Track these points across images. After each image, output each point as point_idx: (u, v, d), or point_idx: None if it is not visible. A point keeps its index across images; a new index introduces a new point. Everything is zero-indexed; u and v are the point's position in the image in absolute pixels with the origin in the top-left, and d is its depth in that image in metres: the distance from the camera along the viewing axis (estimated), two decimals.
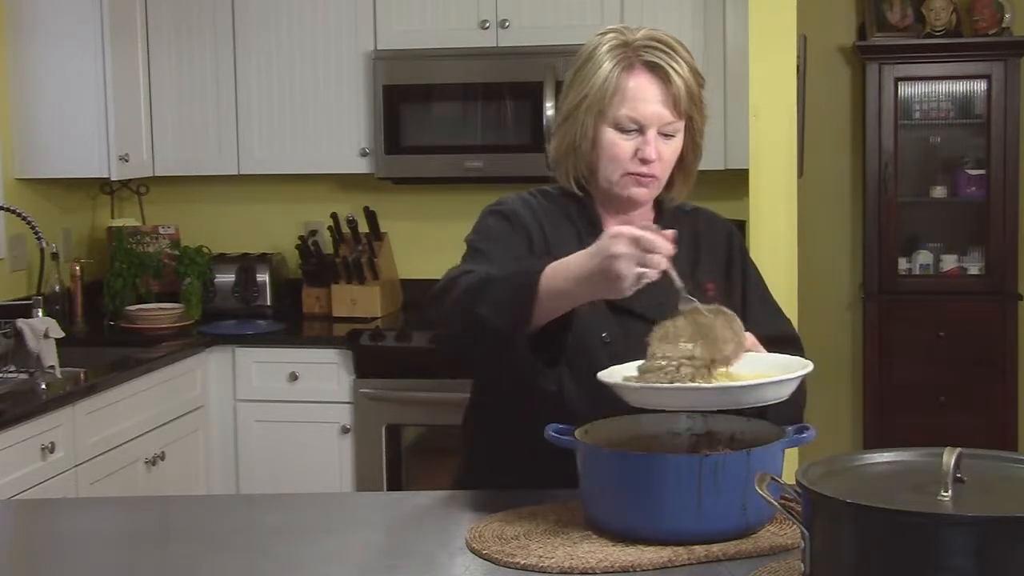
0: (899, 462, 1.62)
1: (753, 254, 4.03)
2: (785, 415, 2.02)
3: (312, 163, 4.75)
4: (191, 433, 4.34)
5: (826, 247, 5.38)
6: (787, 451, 1.90)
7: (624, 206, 2.25)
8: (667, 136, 2.18)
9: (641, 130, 2.16)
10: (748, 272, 2.32)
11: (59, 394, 3.61)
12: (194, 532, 2.04)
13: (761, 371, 1.96)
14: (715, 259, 2.28)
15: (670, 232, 1.92)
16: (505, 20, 4.51)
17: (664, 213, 2.28)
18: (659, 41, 2.19)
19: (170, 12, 4.72)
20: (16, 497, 3.28)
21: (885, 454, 1.64)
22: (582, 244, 2.09)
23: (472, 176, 4.57)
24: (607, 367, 2.06)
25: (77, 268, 4.73)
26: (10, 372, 3.78)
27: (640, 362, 1.98)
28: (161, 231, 4.96)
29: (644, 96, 2.16)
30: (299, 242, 4.82)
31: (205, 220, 5.08)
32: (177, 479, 4.17)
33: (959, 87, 5.33)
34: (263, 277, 4.87)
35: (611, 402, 2.00)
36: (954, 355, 5.17)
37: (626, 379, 1.95)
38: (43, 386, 3.66)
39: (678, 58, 2.18)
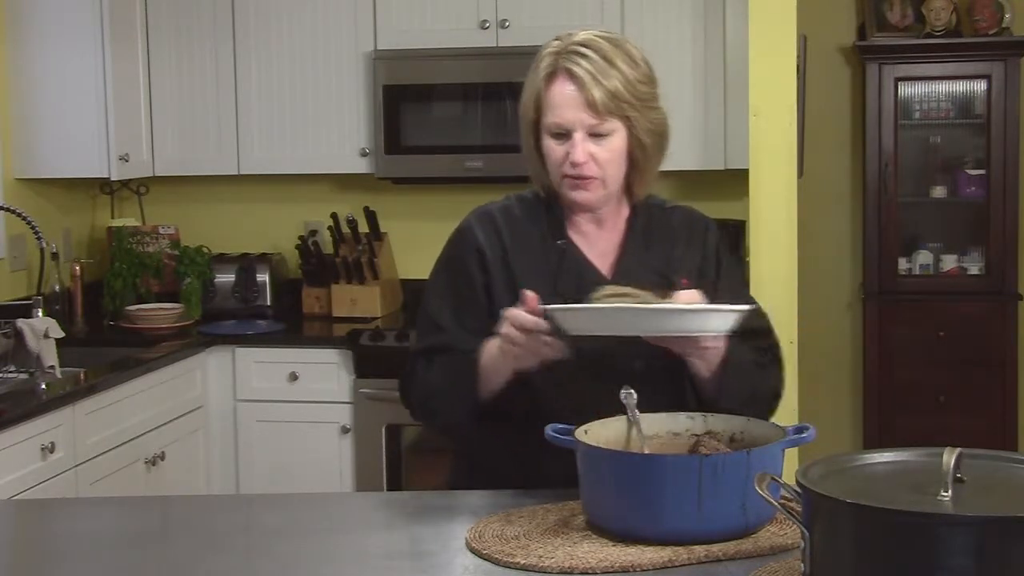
0: (899, 462, 1.62)
1: (753, 254, 4.06)
2: (750, 405, 2.12)
3: (312, 163, 4.75)
4: (191, 433, 4.34)
5: (826, 247, 5.38)
6: (787, 451, 1.90)
7: (576, 208, 2.28)
8: (599, 136, 2.20)
9: (568, 135, 2.20)
10: (723, 268, 2.34)
11: (59, 394, 3.61)
12: (194, 532, 2.04)
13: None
14: (690, 255, 2.31)
15: (532, 304, 2.03)
16: (505, 20, 4.51)
17: (637, 210, 2.32)
18: (587, 45, 2.21)
19: (170, 12, 4.73)
20: (16, 497, 3.28)
21: (885, 454, 1.64)
22: (544, 247, 2.26)
23: (472, 176, 4.57)
24: (570, 365, 2.12)
25: (77, 268, 4.73)
26: (10, 372, 3.78)
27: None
28: (161, 231, 4.96)
29: (563, 102, 2.19)
30: (299, 242, 4.82)
31: (205, 220, 5.08)
32: (177, 479, 4.17)
33: (959, 87, 5.33)
34: (263, 277, 4.87)
35: (588, 402, 2.07)
36: (954, 355, 5.17)
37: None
38: (43, 386, 3.66)
39: (603, 62, 2.20)
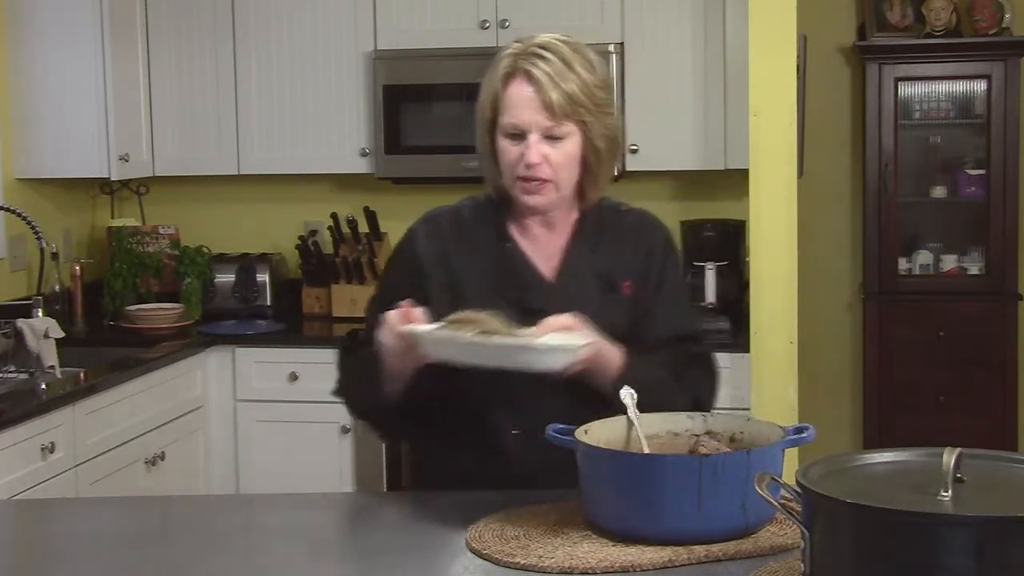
0: (899, 462, 1.62)
1: (753, 254, 4.06)
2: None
3: (312, 163, 4.75)
4: (191, 433, 4.34)
5: (826, 247, 5.38)
6: (787, 451, 1.90)
7: (529, 211, 2.28)
8: (555, 139, 2.20)
9: (523, 136, 2.20)
10: (666, 276, 2.33)
11: (59, 394, 3.61)
12: (194, 532, 2.04)
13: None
14: (636, 259, 2.31)
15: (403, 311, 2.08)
16: (505, 20, 4.51)
17: (587, 213, 2.32)
18: (546, 48, 2.21)
19: (170, 12, 4.73)
20: (16, 497, 3.28)
21: (885, 454, 1.64)
22: (488, 250, 2.28)
23: (472, 176, 4.52)
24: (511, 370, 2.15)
25: (77, 268, 4.73)
26: (10, 372, 3.78)
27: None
28: (161, 231, 4.96)
29: (520, 103, 2.19)
30: (299, 242, 4.82)
31: (205, 220, 5.08)
32: (177, 479, 4.17)
33: (959, 87, 5.33)
34: (263, 277, 4.87)
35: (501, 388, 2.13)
36: (954, 355, 5.17)
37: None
38: (43, 386, 3.66)
39: (561, 65, 2.20)
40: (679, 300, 2.37)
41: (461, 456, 2.24)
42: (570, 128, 2.20)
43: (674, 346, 2.28)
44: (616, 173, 4.45)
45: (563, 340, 2.01)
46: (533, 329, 2.05)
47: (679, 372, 2.26)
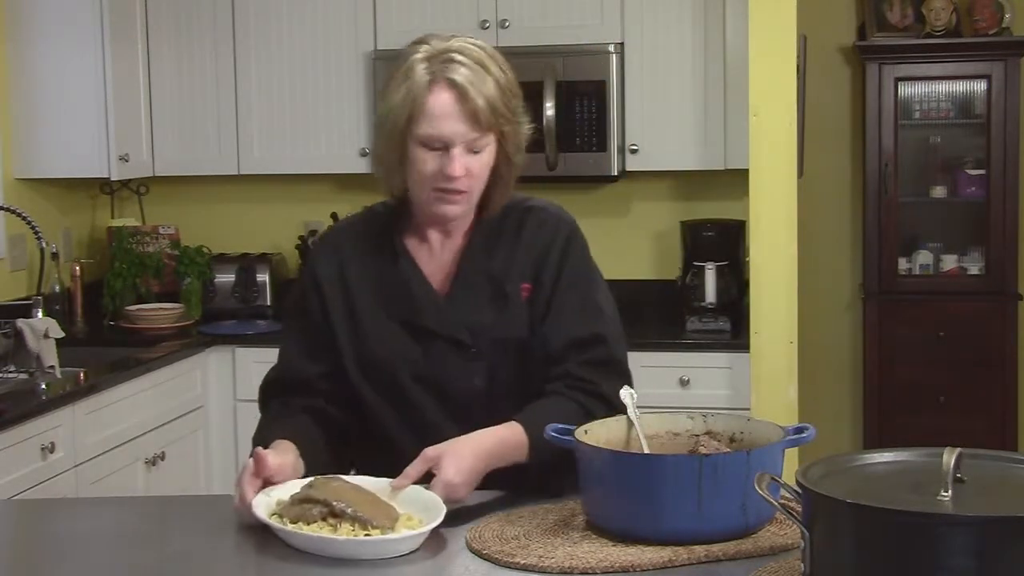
0: (899, 462, 1.62)
1: (753, 254, 4.06)
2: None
3: (312, 163, 4.75)
4: (191, 433, 4.34)
5: (826, 247, 5.38)
6: (787, 451, 1.90)
7: (432, 221, 2.21)
8: (475, 152, 2.12)
9: (445, 147, 2.10)
10: (563, 275, 2.21)
11: (59, 394, 3.61)
12: (194, 532, 2.04)
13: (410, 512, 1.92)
14: (533, 260, 2.21)
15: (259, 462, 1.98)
16: (505, 20, 4.51)
17: (482, 222, 2.22)
18: (464, 54, 2.11)
19: (170, 12, 4.73)
20: (16, 497, 3.28)
21: (885, 454, 1.64)
22: (381, 265, 2.20)
23: None
24: (409, 386, 2.16)
25: (77, 268, 4.73)
26: (10, 372, 3.78)
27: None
28: (161, 231, 4.96)
29: (445, 113, 2.08)
30: (299, 242, 4.82)
31: (205, 220, 5.08)
32: (177, 479, 4.17)
33: (959, 87, 5.32)
34: (263, 277, 4.87)
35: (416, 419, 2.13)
36: (954, 355, 5.17)
37: (277, 508, 1.92)
38: (43, 386, 3.66)
39: (482, 72, 2.10)
40: (577, 300, 2.20)
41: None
42: (488, 139, 2.12)
43: (572, 356, 2.16)
44: (616, 173, 4.46)
45: (414, 525, 1.88)
46: (388, 483, 1.96)
47: (588, 390, 2.13)
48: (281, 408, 2.27)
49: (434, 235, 2.23)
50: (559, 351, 2.17)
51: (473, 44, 2.14)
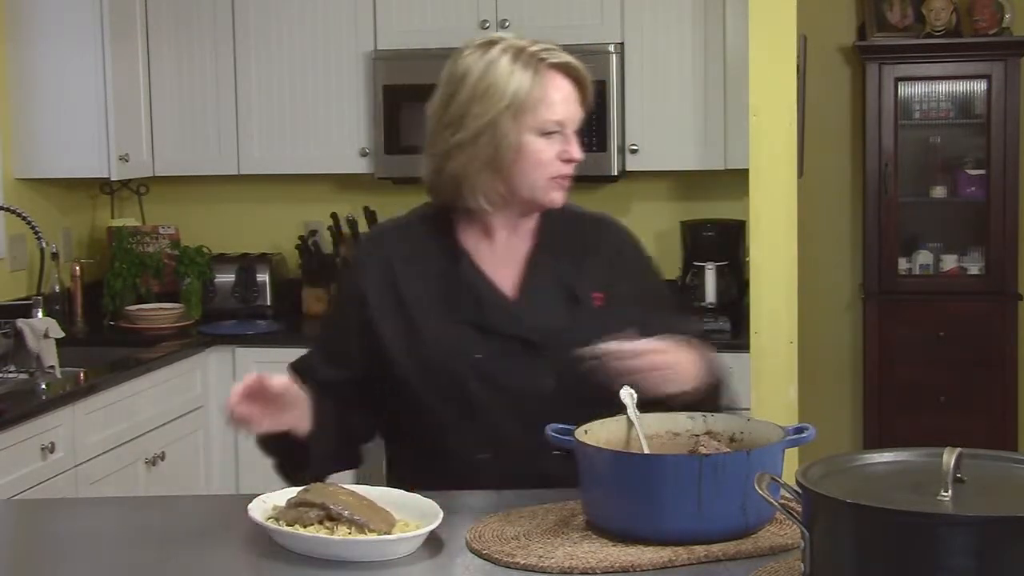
0: (899, 462, 1.62)
1: (753, 254, 4.06)
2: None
3: (312, 163, 4.75)
4: (191, 433, 4.34)
5: (826, 247, 5.38)
6: (787, 451, 1.90)
7: (527, 213, 2.21)
8: (577, 135, 2.18)
9: (562, 131, 2.15)
10: (648, 284, 2.28)
11: (59, 394, 3.61)
12: (194, 532, 2.04)
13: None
14: (604, 269, 2.23)
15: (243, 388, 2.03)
16: (505, 20, 4.51)
17: (546, 220, 2.24)
18: (552, 44, 2.18)
19: (170, 12, 4.73)
20: (16, 497, 3.28)
21: (885, 454, 1.64)
22: (441, 269, 2.19)
23: None
24: (476, 387, 2.13)
25: (77, 268, 4.73)
26: (10, 372, 3.78)
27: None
28: (161, 231, 4.96)
29: (563, 97, 2.15)
30: (299, 242, 4.82)
31: (205, 220, 5.08)
32: (177, 479, 4.17)
33: (959, 87, 5.33)
34: (263, 277, 4.87)
35: (485, 424, 2.09)
36: (954, 355, 5.17)
37: (273, 513, 1.92)
38: (43, 386, 3.66)
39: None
40: (669, 305, 2.31)
41: (428, 483, 2.11)
42: None
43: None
44: (616, 173, 4.46)
45: (411, 528, 1.87)
46: (385, 490, 1.96)
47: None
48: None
49: (501, 235, 2.22)
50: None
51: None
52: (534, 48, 2.15)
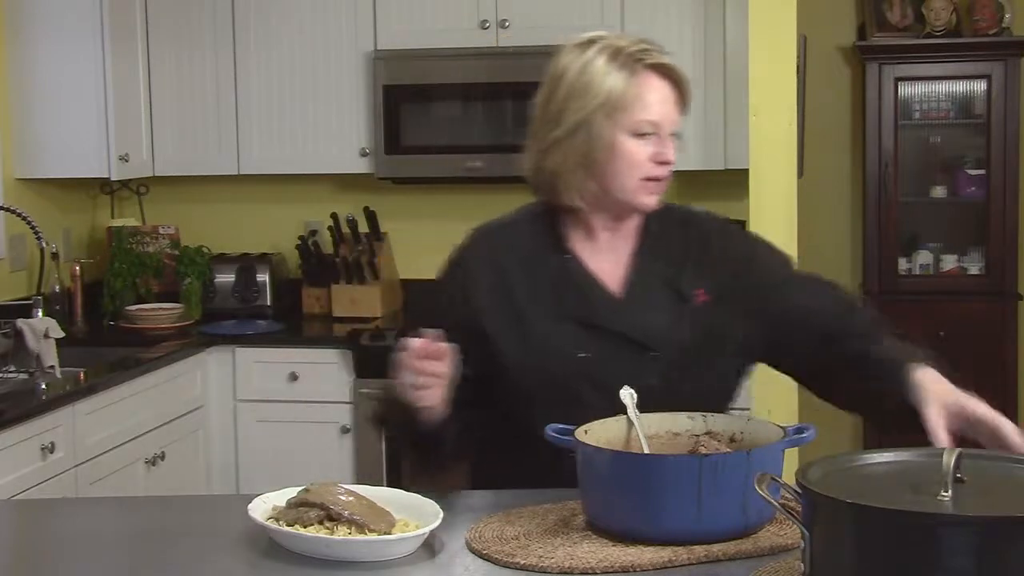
0: (899, 462, 1.62)
1: None
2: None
3: (312, 163, 4.75)
4: (191, 433, 4.34)
5: (826, 247, 5.38)
6: (787, 451, 1.90)
7: (622, 215, 2.21)
8: (674, 138, 2.17)
9: (657, 133, 2.14)
10: (755, 261, 2.25)
11: (59, 394, 3.61)
12: (194, 532, 2.04)
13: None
14: (704, 263, 2.22)
15: (438, 346, 1.97)
16: (505, 20, 4.51)
17: (651, 219, 2.23)
18: (652, 44, 2.17)
19: (170, 12, 4.73)
20: (16, 497, 3.28)
21: (885, 454, 1.64)
22: (546, 265, 2.18)
23: (472, 176, 4.58)
24: (581, 386, 2.11)
25: (77, 268, 4.73)
26: (10, 372, 3.78)
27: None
28: (161, 231, 4.96)
29: (659, 98, 2.13)
30: (299, 242, 4.82)
31: (205, 220, 5.08)
32: (177, 479, 4.17)
33: (959, 87, 5.33)
34: (263, 277, 4.87)
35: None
36: (954, 355, 5.13)
37: (273, 513, 1.91)
38: (43, 386, 3.66)
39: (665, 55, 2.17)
40: (801, 276, 2.30)
41: (512, 478, 2.12)
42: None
43: (848, 324, 2.17)
44: None
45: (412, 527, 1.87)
46: (384, 490, 1.95)
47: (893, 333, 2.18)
48: None
49: (604, 235, 2.22)
50: (832, 326, 2.17)
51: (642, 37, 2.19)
52: (632, 48, 2.14)
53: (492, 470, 2.23)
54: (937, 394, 1.95)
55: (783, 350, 2.21)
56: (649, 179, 2.15)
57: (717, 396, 2.21)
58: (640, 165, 2.14)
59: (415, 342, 1.98)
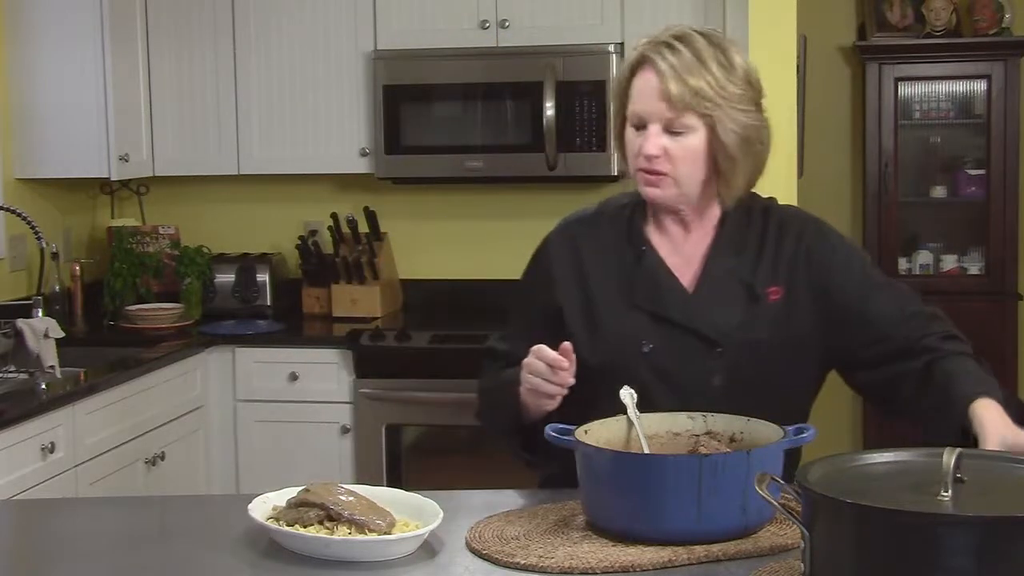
0: (899, 462, 1.62)
1: None
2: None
3: (312, 163, 4.74)
4: (191, 433, 4.34)
5: None
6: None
7: (666, 208, 2.22)
8: (676, 133, 2.14)
9: (646, 126, 2.15)
10: (851, 266, 2.22)
11: (59, 394, 3.61)
12: (194, 532, 2.04)
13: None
14: (779, 261, 2.20)
15: (567, 369, 2.03)
16: (505, 20, 4.51)
17: (729, 214, 2.23)
18: (680, 39, 2.16)
19: (170, 12, 4.72)
20: (16, 497, 3.28)
21: (885, 454, 1.64)
22: (623, 256, 2.21)
23: (472, 176, 4.57)
24: (646, 378, 2.11)
25: (77, 268, 4.72)
26: (10, 372, 3.78)
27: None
28: (161, 231, 4.96)
29: (645, 92, 2.14)
30: (299, 242, 4.82)
31: (205, 220, 5.08)
32: (177, 479, 4.17)
33: (959, 87, 5.33)
34: (263, 277, 4.87)
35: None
36: None
37: (273, 513, 1.91)
38: (43, 386, 3.66)
39: (691, 56, 2.13)
40: (882, 284, 2.24)
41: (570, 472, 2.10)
42: (693, 122, 2.12)
43: (917, 330, 2.18)
44: (616, 173, 4.46)
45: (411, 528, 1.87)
46: (383, 490, 1.96)
47: (963, 351, 2.18)
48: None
49: (673, 228, 2.23)
50: (904, 338, 2.18)
51: (698, 32, 2.19)
52: (657, 41, 2.17)
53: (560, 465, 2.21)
54: (996, 430, 1.93)
55: (852, 357, 2.20)
56: (640, 171, 2.17)
57: (787, 404, 2.17)
58: (634, 157, 2.17)
59: (551, 354, 2.03)
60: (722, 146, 2.14)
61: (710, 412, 2.04)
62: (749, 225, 2.23)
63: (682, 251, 2.23)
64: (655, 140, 2.14)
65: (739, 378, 2.14)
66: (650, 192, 2.18)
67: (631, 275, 2.21)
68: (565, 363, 2.03)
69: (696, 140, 2.14)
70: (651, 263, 2.21)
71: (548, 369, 2.04)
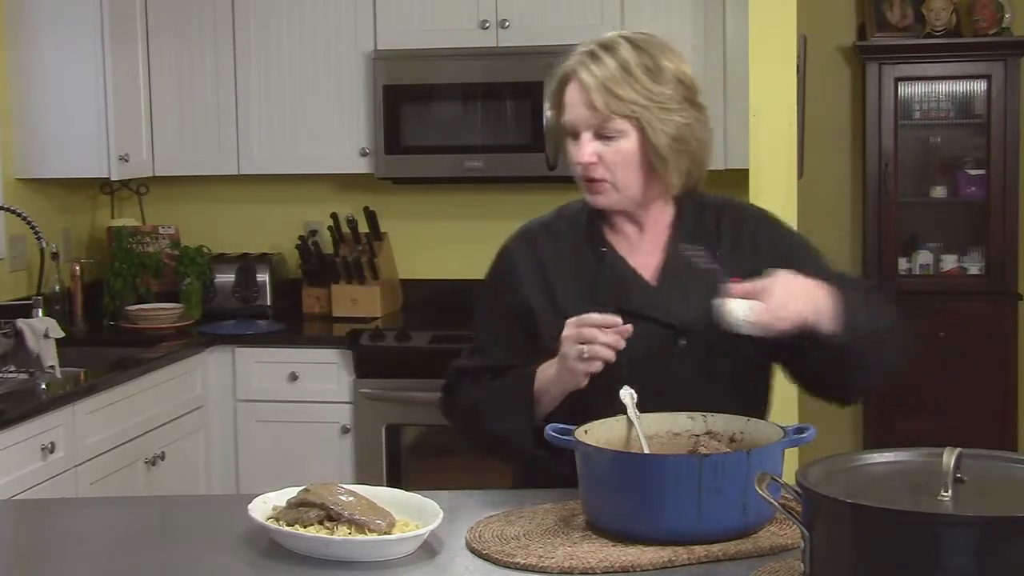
0: (899, 462, 1.62)
1: None
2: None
3: (312, 163, 4.75)
4: (191, 433, 4.34)
5: (826, 247, 5.31)
6: (787, 451, 1.90)
7: (618, 211, 2.25)
8: (607, 138, 2.16)
9: (579, 135, 2.18)
10: (786, 253, 2.24)
11: (59, 394, 3.61)
12: (194, 532, 2.04)
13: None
14: (737, 251, 2.24)
15: (625, 328, 2.04)
16: (505, 20, 4.51)
17: (683, 210, 2.26)
18: (602, 46, 2.17)
19: (170, 12, 4.73)
20: (16, 497, 3.28)
21: (885, 454, 1.64)
22: (584, 258, 2.23)
23: (472, 176, 4.57)
24: (617, 371, 2.09)
25: (77, 268, 4.73)
26: (10, 372, 3.78)
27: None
28: (161, 231, 4.96)
29: (571, 100, 2.18)
30: (299, 242, 4.82)
31: (205, 220, 5.08)
32: (177, 479, 4.17)
33: (959, 87, 5.33)
34: (263, 277, 4.87)
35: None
36: (954, 355, 5.17)
37: (273, 513, 1.92)
38: (43, 386, 3.66)
39: (607, 56, 2.15)
40: (820, 261, 2.28)
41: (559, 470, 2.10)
42: (623, 126, 2.15)
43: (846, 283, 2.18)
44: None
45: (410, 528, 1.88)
46: (383, 490, 1.97)
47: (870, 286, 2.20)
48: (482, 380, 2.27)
49: (628, 228, 2.26)
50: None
51: (626, 37, 2.19)
52: (584, 51, 2.17)
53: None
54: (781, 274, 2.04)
55: (781, 346, 2.18)
56: (583, 179, 2.20)
57: (750, 394, 2.21)
58: (572, 165, 2.20)
59: (599, 316, 2.05)
60: (653, 147, 2.16)
61: (704, 411, 2.05)
62: (703, 219, 2.27)
63: (641, 249, 2.25)
64: (587, 147, 2.17)
65: (707, 369, 2.16)
66: (595, 200, 2.22)
67: (594, 276, 2.23)
68: (618, 319, 2.04)
69: (628, 144, 2.16)
70: (613, 262, 2.24)
71: (598, 331, 2.04)
